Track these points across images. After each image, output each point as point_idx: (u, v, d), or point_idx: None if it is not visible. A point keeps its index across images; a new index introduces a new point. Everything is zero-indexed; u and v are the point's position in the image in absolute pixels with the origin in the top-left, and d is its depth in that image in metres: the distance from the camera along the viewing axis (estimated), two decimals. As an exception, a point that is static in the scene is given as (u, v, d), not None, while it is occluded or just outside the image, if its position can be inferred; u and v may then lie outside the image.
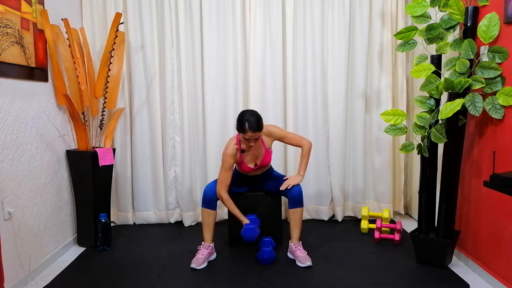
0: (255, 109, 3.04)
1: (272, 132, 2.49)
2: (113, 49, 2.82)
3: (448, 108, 2.10)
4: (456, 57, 2.27)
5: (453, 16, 2.28)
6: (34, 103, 2.36)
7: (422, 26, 2.49)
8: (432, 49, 2.61)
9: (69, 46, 2.65)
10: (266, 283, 2.21)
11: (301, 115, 3.19)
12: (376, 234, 2.79)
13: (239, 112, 2.38)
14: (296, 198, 2.47)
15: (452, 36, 2.41)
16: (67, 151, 2.71)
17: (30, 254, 2.26)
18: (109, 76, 2.84)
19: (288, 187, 2.46)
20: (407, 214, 3.48)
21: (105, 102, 2.90)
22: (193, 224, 3.22)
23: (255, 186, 2.69)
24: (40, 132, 2.42)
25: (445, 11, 2.42)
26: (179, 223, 3.24)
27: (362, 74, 3.16)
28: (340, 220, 3.27)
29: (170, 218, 3.23)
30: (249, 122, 2.25)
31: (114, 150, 2.86)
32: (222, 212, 3.13)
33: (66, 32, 2.64)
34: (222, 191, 2.42)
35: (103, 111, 2.90)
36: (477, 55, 2.24)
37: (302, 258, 2.42)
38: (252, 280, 2.24)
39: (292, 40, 3.09)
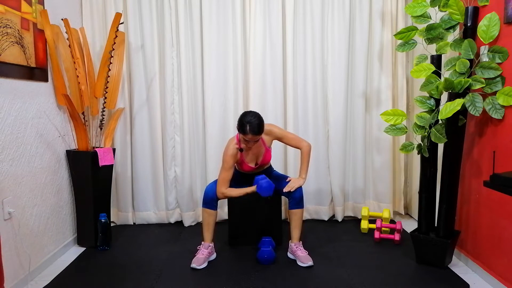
0: (255, 110, 3.07)
1: (271, 131, 2.49)
2: (113, 49, 2.82)
3: (448, 108, 2.10)
4: (456, 57, 2.27)
5: (453, 16, 2.28)
6: (34, 103, 2.36)
7: (422, 26, 2.49)
8: (432, 49, 2.61)
9: (69, 46, 2.65)
10: (266, 283, 2.21)
11: (301, 115, 3.19)
12: (376, 234, 2.79)
13: (239, 112, 2.39)
14: (296, 199, 2.47)
15: (452, 36, 2.41)
16: (67, 151, 2.71)
17: (30, 254, 2.26)
18: (109, 76, 2.84)
19: (291, 190, 2.45)
20: (407, 214, 3.48)
21: (105, 102, 2.90)
22: (193, 224, 3.22)
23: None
24: (40, 132, 2.42)
25: (445, 11, 2.42)
26: (179, 223, 3.24)
27: (362, 74, 3.16)
28: (340, 220, 3.27)
29: (170, 218, 3.23)
30: (251, 125, 2.24)
31: (114, 150, 2.86)
32: (222, 212, 3.13)
33: (66, 32, 2.65)
34: (223, 188, 2.41)
35: (103, 111, 2.90)
36: (477, 55, 2.24)
37: (303, 258, 2.42)
38: (252, 280, 2.24)
39: (292, 40, 3.09)
